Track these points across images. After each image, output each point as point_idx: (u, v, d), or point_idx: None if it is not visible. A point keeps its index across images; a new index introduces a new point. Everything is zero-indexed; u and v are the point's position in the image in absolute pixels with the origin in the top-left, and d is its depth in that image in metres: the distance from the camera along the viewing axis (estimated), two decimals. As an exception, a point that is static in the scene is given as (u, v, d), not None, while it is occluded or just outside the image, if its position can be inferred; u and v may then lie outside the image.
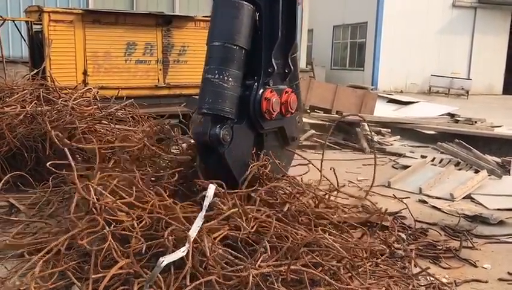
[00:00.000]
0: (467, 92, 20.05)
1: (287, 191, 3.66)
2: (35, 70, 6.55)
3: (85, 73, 7.19)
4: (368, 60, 21.74)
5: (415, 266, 3.45)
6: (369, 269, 3.18)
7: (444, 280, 3.32)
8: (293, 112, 3.97)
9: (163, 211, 3.03)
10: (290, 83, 4.06)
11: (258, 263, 2.75)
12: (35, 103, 5.17)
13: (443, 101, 16.71)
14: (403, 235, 3.97)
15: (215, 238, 2.87)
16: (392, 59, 20.75)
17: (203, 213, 2.95)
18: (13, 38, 9.48)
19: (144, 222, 2.91)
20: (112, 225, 2.87)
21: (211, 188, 3.12)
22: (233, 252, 2.86)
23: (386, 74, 20.89)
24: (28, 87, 5.73)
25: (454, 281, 3.31)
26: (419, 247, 3.81)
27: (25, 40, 7.71)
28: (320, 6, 21.78)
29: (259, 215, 3.18)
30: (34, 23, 7.32)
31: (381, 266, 3.39)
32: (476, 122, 10.45)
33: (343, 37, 24.10)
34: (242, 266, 2.72)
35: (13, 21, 7.56)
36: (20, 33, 7.58)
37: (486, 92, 21.79)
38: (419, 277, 3.29)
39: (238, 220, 3.00)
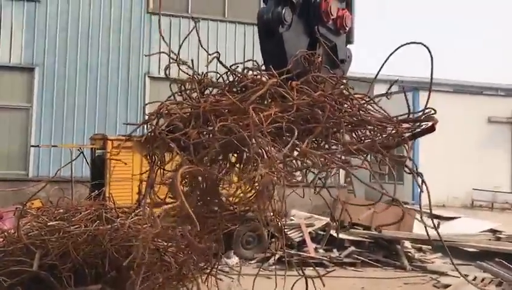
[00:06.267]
0: (512, 206, 19.74)
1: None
2: (97, 192, 7.26)
3: (140, 193, 7.85)
4: (407, 174, 21.87)
5: None
6: None
7: None
8: (346, 30, 4.18)
9: None
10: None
11: None
12: (97, 222, 5.76)
13: (487, 216, 16.46)
14: None
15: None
16: (431, 173, 20.82)
17: None
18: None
19: None
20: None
21: None
22: None
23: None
24: (90, 207, 6.39)
25: None
26: None
27: (88, 163, 8.59)
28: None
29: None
30: (97, 149, 8.24)
31: None
32: (519, 239, 10.32)
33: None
34: None
35: (80, 149, 8.53)
36: (85, 157, 8.49)
37: (533, 206, 21.28)
38: None
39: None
